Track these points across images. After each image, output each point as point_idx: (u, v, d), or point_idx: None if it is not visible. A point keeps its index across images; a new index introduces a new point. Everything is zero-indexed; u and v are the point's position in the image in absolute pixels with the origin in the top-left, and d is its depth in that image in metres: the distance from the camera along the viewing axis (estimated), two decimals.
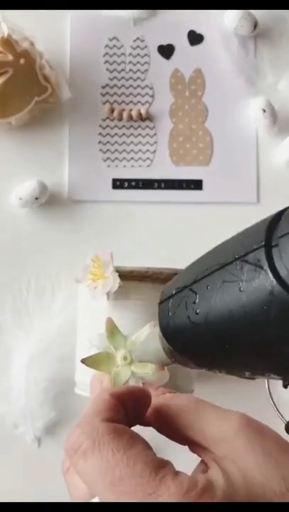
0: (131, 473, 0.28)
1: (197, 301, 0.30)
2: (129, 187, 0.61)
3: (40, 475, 0.58)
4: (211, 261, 0.31)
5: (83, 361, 0.37)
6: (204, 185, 0.62)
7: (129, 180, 0.61)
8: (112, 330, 0.38)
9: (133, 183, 0.61)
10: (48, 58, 0.59)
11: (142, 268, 0.51)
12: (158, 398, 0.34)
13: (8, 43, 0.57)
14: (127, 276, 0.50)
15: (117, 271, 0.50)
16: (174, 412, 0.32)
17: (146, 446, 0.30)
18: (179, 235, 0.61)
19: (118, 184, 0.61)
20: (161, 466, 0.28)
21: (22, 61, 0.57)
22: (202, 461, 0.32)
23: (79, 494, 0.33)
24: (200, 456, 0.32)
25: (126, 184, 0.61)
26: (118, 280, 0.49)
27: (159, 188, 0.62)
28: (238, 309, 0.27)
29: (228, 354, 0.29)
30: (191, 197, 0.62)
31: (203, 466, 0.31)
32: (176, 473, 0.29)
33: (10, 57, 0.57)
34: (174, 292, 0.32)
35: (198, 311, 0.30)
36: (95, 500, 0.31)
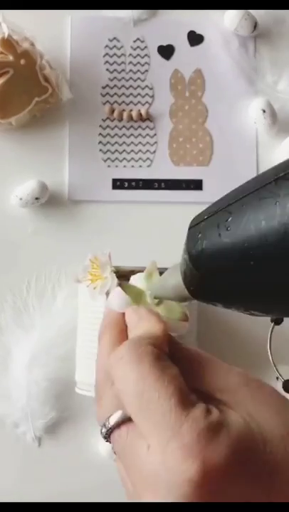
0: (159, 386, 0.30)
1: (230, 219, 0.30)
2: (129, 187, 0.62)
3: (40, 475, 0.59)
4: (247, 186, 0.31)
5: (120, 284, 0.39)
6: (204, 185, 0.62)
7: (129, 181, 0.62)
8: (152, 272, 0.40)
9: (133, 183, 0.62)
10: (48, 59, 0.59)
11: (142, 268, 0.51)
12: (176, 344, 0.36)
13: (9, 43, 0.57)
14: (127, 276, 0.50)
15: (117, 271, 0.50)
16: (184, 361, 0.34)
17: (178, 372, 0.32)
18: (179, 235, 0.61)
19: (118, 184, 0.61)
20: (191, 393, 0.31)
21: (22, 61, 0.58)
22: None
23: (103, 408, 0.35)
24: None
25: (126, 184, 0.62)
26: (116, 280, 0.49)
27: (159, 188, 0.62)
28: (270, 221, 0.28)
29: (252, 275, 0.29)
30: (191, 197, 0.62)
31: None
32: (198, 400, 0.31)
33: (10, 58, 0.57)
34: (205, 217, 0.33)
35: (229, 228, 0.30)
36: (117, 414, 0.33)
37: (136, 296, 0.39)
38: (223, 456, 0.28)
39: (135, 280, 0.40)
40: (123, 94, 0.62)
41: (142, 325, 0.36)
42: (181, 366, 0.34)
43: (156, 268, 0.40)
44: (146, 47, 0.63)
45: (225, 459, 0.28)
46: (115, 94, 0.62)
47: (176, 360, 0.34)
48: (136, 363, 0.32)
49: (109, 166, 0.62)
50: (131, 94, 0.62)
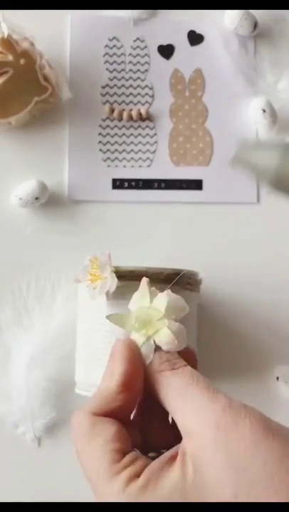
0: (89, 464, 0.32)
1: None
2: (129, 187, 0.61)
3: (40, 475, 0.59)
4: None
5: (108, 317, 0.38)
6: (204, 185, 0.62)
7: (129, 181, 0.61)
8: (144, 293, 0.38)
9: (133, 183, 0.61)
10: (48, 58, 0.59)
11: (142, 268, 0.51)
12: (157, 375, 0.34)
13: (9, 43, 0.57)
14: (126, 276, 0.50)
15: (116, 271, 0.50)
16: (166, 393, 0.33)
17: (111, 438, 0.32)
18: (179, 235, 0.61)
19: (118, 184, 0.61)
20: (115, 461, 0.31)
21: (22, 61, 0.57)
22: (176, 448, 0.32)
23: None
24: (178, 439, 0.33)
25: (126, 184, 0.61)
26: (116, 281, 0.49)
27: (159, 188, 0.62)
28: None
29: None
30: (191, 197, 0.62)
31: (174, 455, 0.32)
32: (129, 464, 0.31)
33: (10, 58, 0.57)
34: None
35: None
36: None
37: (121, 323, 0.37)
38: None
39: (133, 301, 0.39)
40: (123, 93, 0.62)
41: (106, 372, 0.36)
42: (163, 398, 0.33)
43: (147, 288, 0.38)
44: (146, 46, 0.63)
45: None
46: (115, 93, 0.62)
47: (158, 391, 0.34)
48: (73, 435, 0.34)
49: (109, 166, 0.61)
50: (131, 93, 0.62)
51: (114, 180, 0.61)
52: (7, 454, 0.59)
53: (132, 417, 0.36)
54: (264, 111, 0.61)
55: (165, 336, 0.36)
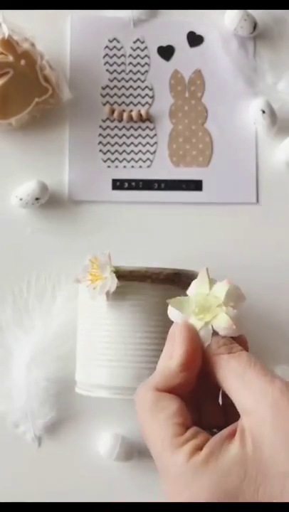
0: (153, 437, 0.34)
1: None
2: (129, 188, 0.62)
3: (40, 475, 0.59)
4: None
5: (169, 301, 0.39)
6: (204, 185, 0.62)
7: (129, 181, 0.62)
8: (204, 280, 0.39)
9: (133, 184, 0.62)
10: (48, 59, 0.60)
11: (142, 268, 0.51)
12: (215, 357, 0.36)
13: (9, 43, 0.57)
14: (126, 276, 0.51)
15: (116, 271, 0.50)
16: (224, 374, 0.35)
17: (173, 413, 0.34)
18: (179, 236, 0.62)
19: (118, 185, 0.62)
20: (178, 434, 0.33)
21: (22, 62, 0.58)
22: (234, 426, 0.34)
23: None
24: (232, 417, 0.35)
25: (126, 185, 0.62)
26: (116, 281, 0.49)
27: (159, 188, 0.62)
28: None
29: None
30: (191, 198, 0.62)
31: (232, 431, 0.33)
32: (191, 438, 0.33)
33: (10, 58, 0.57)
34: None
35: None
36: None
37: (181, 307, 0.39)
38: (204, 495, 0.31)
39: (192, 287, 0.40)
40: (123, 94, 0.62)
41: (165, 353, 0.37)
42: (220, 378, 0.35)
43: (206, 276, 0.40)
44: (146, 47, 0.63)
45: (206, 497, 0.30)
46: (115, 94, 0.62)
47: (215, 372, 0.35)
48: (137, 409, 0.35)
49: (109, 167, 0.62)
50: (131, 94, 0.63)
51: (115, 181, 0.62)
52: (7, 453, 0.59)
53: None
54: (263, 112, 0.61)
55: (224, 321, 0.37)
